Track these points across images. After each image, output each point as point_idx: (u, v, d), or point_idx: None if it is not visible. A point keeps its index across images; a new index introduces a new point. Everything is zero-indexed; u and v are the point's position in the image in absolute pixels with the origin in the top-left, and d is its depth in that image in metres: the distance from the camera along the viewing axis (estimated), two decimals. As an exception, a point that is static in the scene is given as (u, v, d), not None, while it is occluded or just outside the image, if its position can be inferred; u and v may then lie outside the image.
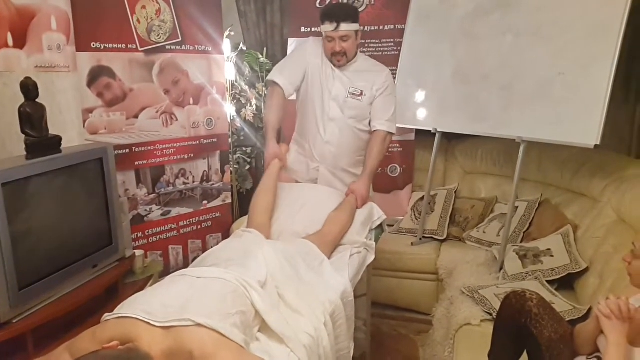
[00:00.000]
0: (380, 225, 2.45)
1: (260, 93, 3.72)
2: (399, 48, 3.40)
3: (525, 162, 2.69)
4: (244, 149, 3.85)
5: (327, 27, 2.33)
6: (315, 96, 2.47)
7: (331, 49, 2.37)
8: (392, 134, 2.50)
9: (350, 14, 2.34)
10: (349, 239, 2.15)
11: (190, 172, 3.24)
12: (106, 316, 1.39)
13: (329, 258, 2.00)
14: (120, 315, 1.35)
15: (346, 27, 2.32)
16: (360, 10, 3.48)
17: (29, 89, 2.02)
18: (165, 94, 3.06)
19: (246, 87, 3.70)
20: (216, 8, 3.27)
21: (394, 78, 3.28)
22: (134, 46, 2.89)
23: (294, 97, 2.60)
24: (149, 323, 1.30)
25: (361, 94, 2.42)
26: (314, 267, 1.86)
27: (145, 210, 3.03)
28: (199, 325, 1.30)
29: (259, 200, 2.23)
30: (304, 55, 2.50)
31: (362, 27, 3.45)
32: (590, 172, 2.76)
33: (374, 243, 2.26)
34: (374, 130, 2.45)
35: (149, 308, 1.35)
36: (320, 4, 3.49)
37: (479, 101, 2.89)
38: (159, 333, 1.29)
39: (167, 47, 3.03)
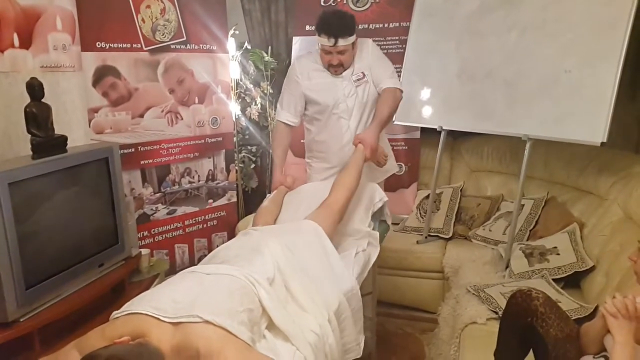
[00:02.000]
0: (386, 222, 2.44)
1: (265, 92, 3.73)
2: (404, 46, 3.39)
3: (531, 160, 2.67)
4: (249, 147, 3.85)
5: (324, 41, 2.29)
6: (331, 105, 2.44)
7: (328, 61, 2.35)
8: (399, 88, 2.42)
9: (348, 28, 2.27)
10: (352, 228, 2.14)
11: (195, 171, 3.25)
12: (115, 314, 1.39)
13: (335, 230, 1.99)
14: (129, 312, 1.36)
15: (344, 43, 2.27)
16: (364, 8, 3.49)
17: (35, 89, 2.03)
18: (170, 93, 3.07)
19: (251, 86, 3.70)
20: (220, 7, 3.27)
21: (399, 75, 3.28)
22: (139, 45, 2.89)
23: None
24: (158, 319, 1.31)
25: (363, 76, 2.42)
26: (321, 261, 1.84)
27: (151, 209, 3.04)
28: (206, 322, 1.30)
29: (264, 207, 2.30)
30: (295, 81, 2.47)
31: (367, 25, 3.48)
32: (596, 170, 2.75)
33: (378, 236, 2.24)
34: (383, 88, 2.39)
35: (159, 304, 1.35)
36: (324, 2, 3.49)
37: (485, 99, 2.88)
38: (169, 329, 1.30)
39: (172, 46, 3.04)
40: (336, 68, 2.37)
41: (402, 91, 2.44)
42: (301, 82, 2.45)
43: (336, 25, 2.27)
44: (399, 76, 3.27)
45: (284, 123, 2.50)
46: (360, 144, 2.26)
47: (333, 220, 1.99)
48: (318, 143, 2.57)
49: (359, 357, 1.82)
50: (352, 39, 2.31)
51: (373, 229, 2.26)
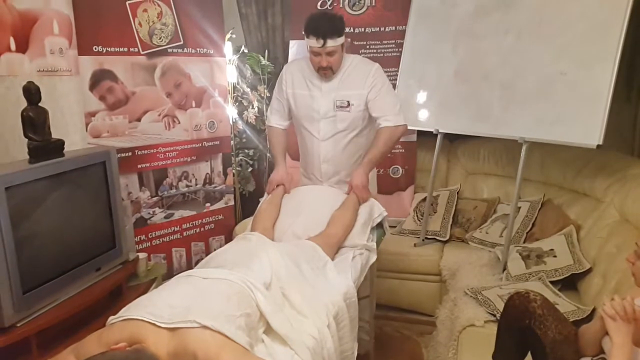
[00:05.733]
0: (383, 227, 2.45)
1: (262, 95, 3.73)
2: (400, 49, 3.40)
3: (527, 162, 2.68)
4: (246, 151, 3.85)
5: (313, 43, 2.28)
6: (304, 120, 2.46)
7: (317, 64, 2.34)
8: (400, 125, 2.39)
9: (336, 29, 2.28)
10: (350, 242, 2.15)
11: (192, 175, 3.24)
12: (111, 319, 1.39)
13: (333, 259, 2.00)
14: (126, 317, 1.35)
15: (333, 44, 2.26)
16: (361, 11, 3.50)
17: (32, 93, 2.02)
18: (168, 97, 3.07)
19: (248, 90, 3.71)
20: (217, 10, 3.28)
21: (395, 79, 3.29)
22: (136, 49, 2.89)
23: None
24: (154, 324, 1.30)
25: (348, 105, 2.37)
26: (318, 268, 1.86)
27: (148, 213, 3.04)
28: (204, 327, 1.30)
29: (262, 210, 2.30)
30: (280, 86, 2.51)
31: (363, 29, 3.49)
32: (592, 172, 2.76)
33: (375, 244, 2.25)
34: (383, 126, 2.38)
35: (155, 309, 1.35)
36: (321, 5, 3.50)
37: (481, 101, 2.89)
38: (165, 334, 1.29)
39: (169, 50, 3.04)
40: (325, 71, 2.36)
41: (405, 126, 2.41)
42: (285, 88, 2.48)
43: (325, 26, 2.27)
44: (395, 80, 3.30)
45: (269, 125, 2.58)
46: (353, 190, 2.32)
47: (329, 250, 2.02)
48: (302, 151, 2.59)
49: None
50: (340, 40, 2.31)
51: (370, 235, 2.28)
